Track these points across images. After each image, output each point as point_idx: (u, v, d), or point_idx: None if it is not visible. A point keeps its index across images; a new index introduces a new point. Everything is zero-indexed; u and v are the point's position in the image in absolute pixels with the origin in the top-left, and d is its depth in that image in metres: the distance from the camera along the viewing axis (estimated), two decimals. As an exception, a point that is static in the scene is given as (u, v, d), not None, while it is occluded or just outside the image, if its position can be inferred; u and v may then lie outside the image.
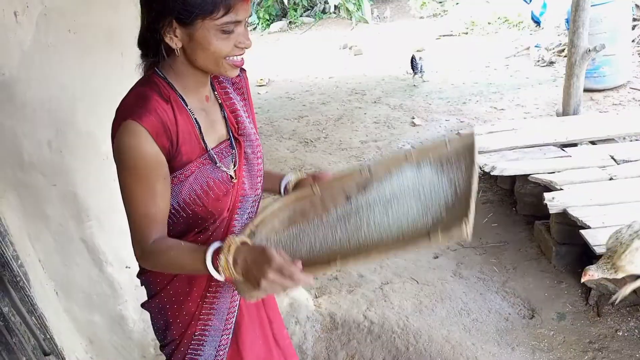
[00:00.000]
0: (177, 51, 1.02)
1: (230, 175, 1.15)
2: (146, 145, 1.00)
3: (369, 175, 1.20)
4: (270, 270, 0.92)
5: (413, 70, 6.80)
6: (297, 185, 1.31)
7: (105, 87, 1.85)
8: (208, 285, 1.22)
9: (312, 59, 9.38)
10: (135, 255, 1.11)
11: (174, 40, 1.01)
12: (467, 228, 0.88)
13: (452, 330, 2.39)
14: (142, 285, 1.31)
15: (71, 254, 1.91)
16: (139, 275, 1.29)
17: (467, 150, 1.06)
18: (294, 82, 7.88)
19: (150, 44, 1.04)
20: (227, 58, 1.04)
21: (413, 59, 6.86)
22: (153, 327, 1.31)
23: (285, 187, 1.32)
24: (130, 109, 1.02)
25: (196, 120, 1.09)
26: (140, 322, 2.14)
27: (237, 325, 1.29)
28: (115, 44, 1.97)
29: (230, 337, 1.28)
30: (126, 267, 2.04)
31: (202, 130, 1.10)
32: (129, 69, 2.00)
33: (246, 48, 1.05)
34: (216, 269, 0.98)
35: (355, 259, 1.02)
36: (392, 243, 0.99)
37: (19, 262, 1.78)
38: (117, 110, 1.06)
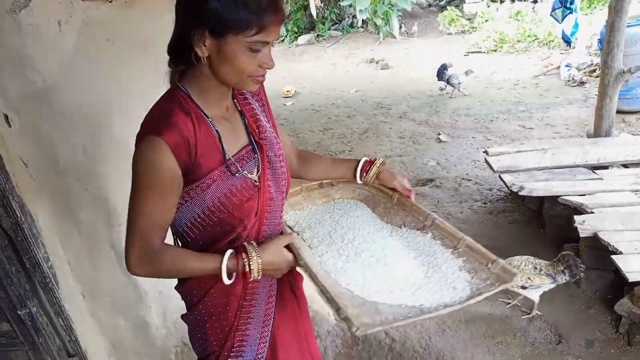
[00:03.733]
0: (203, 59, 1.04)
1: (254, 180, 1.17)
2: (165, 161, 1.03)
3: (428, 227, 1.32)
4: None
5: (437, 77, 6.84)
6: (377, 176, 1.42)
7: (139, 96, 1.88)
8: (244, 294, 1.23)
9: (339, 72, 9.44)
10: (128, 260, 1.09)
11: (202, 49, 1.02)
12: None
13: (476, 353, 2.34)
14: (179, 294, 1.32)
15: (100, 258, 1.94)
16: (176, 287, 1.30)
17: (500, 280, 1.10)
18: (320, 94, 7.93)
19: (180, 50, 1.06)
20: (249, 77, 1.07)
21: (443, 67, 6.81)
22: (190, 340, 1.31)
23: (362, 168, 1.42)
24: (154, 124, 1.05)
25: (216, 130, 1.11)
26: (162, 328, 2.16)
27: (273, 336, 1.29)
28: (151, 54, 2.01)
29: (267, 345, 1.28)
30: (151, 273, 2.07)
31: (222, 139, 1.12)
32: (163, 78, 2.06)
33: (268, 69, 1.08)
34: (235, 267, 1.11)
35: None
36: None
37: (49, 263, 1.82)
38: (142, 123, 1.09)
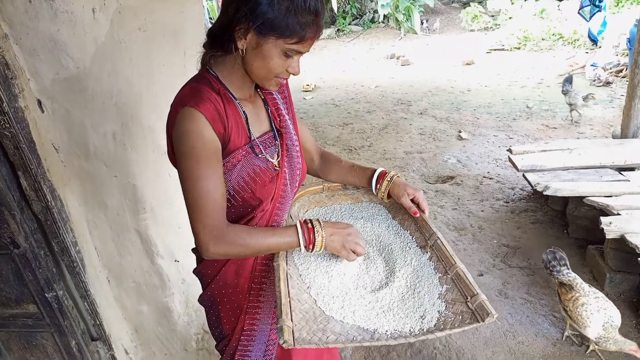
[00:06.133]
0: (242, 51, 1.09)
1: (274, 164, 1.22)
2: (205, 130, 1.07)
3: (429, 247, 1.28)
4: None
5: (563, 94, 5.51)
6: (388, 191, 1.40)
7: (167, 85, 1.90)
8: (253, 276, 1.26)
9: (359, 67, 9.40)
10: (204, 241, 1.09)
11: (242, 41, 1.08)
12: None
13: (497, 352, 2.32)
14: (197, 277, 1.34)
15: (125, 244, 1.97)
16: (194, 270, 1.33)
17: (472, 318, 1.06)
18: (339, 89, 7.90)
19: (221, 38, 1.10)
20: (275, 77, 1.14)
21: (567, 80, 5.53)
22: (208, 324, 1.34)
23: (377, 180, 1.41)
24: (186, 98, 1.09)
25: (243, 112, 1.17)
26: (185, 315, 2.18)
27: None
28: (180, 44, 2.03)
29: None
30: (175, 260, 2.09)
31: (249, 120, 1.18)
32: (190, 68, 2.07)
33: (294, 75, 1.15)
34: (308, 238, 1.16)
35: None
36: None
37: (77, 248, 1.85)
38: (173, 102, 1.13)
